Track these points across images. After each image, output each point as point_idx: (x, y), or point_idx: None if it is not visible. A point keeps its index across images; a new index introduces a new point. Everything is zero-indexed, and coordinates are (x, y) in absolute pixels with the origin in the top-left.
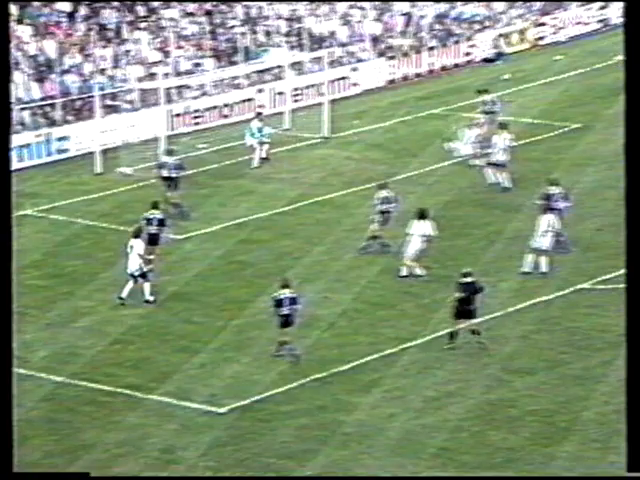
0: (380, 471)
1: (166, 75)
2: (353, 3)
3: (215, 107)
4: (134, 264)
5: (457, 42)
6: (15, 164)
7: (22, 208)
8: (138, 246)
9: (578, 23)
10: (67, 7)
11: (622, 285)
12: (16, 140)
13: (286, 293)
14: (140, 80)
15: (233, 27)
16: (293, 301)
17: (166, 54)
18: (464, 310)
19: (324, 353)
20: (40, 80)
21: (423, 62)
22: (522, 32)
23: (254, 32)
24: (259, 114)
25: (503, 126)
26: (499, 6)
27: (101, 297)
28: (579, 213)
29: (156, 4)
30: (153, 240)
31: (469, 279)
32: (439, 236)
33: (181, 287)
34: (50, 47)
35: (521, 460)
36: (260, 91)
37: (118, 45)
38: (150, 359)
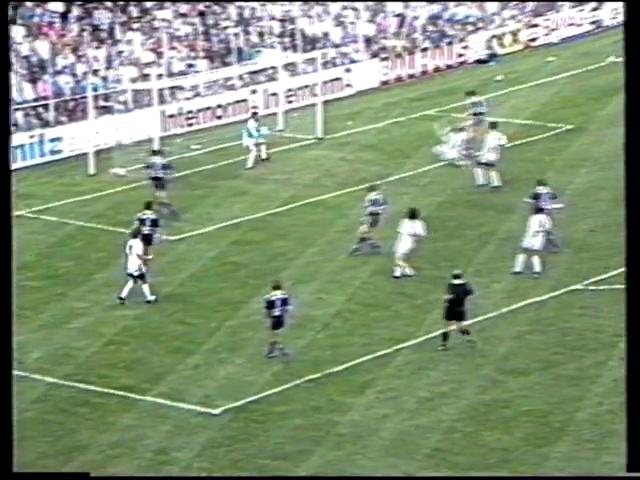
0: (374, 472)
1: (159, 76)
2: (346, 4)
3: (208, 108)
4: (133, 264)
5: (450, 43)
6: None
7: (15, 209)
8: (137, 246)
9: (570, 25)
10: (60, 8)
11: (616, 286)
12: None
13: (278, 294)
14: (133, 81)
15: (226, 28)
16: (284, 302)
17: (159, 55)
18: (454, 311)
19: (318, 354)
20: (33, 81)
21: (416, 63)
22: (515, 33)
23: (247, 33)
24: (255, 114)
25: (493, 125)
26: (492, 7)
27: (95, 298)
28: (572, 214)
29: (149, 5)
30: (146, 240)
31: (460, 281)
32: (433, 237)
33: (175, 288)
34: (43, 48)
35: (515, 460)
36: (253, 92)
37: (111, 46)
38: (144, 360)
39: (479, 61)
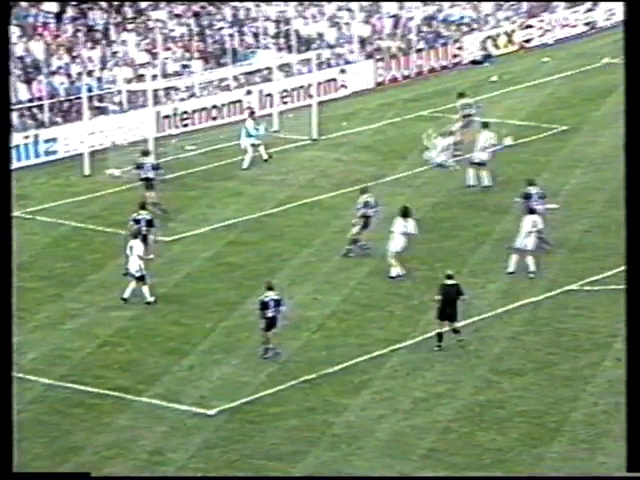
0: (370, 472)
1: (154, 77)
2: (341, 5)
3: (203, 109)
4: (134, 265)
5: (445, 44)
6: None
7: None
8: (138, 247)
9: (565, 26)
10: (54, 8)
11: (611, 286)
12: None
13: (271, 295)
14: (128, 82)
15: (221, 29)
16: (277, 303)
17: (154, 56)
18: (446, 312)
19: (313, 355)
20: (28, 81)
21: (411, 64)
22: (509, 34)
23: (242, 34)
24: (252, 113)
25: (485, 125)
26: (486, 8)
27: (90, 299)
28: (567, 215)
29: (144, 5)
30: (141, 241)
31: (452, 281)
32: (428, 238)
33: (170, 289)
34: (37, 48)
35: (510, 461)
36: (248, 93)
37: (106, 46)
38: (139, 361)
39: (474, 62)
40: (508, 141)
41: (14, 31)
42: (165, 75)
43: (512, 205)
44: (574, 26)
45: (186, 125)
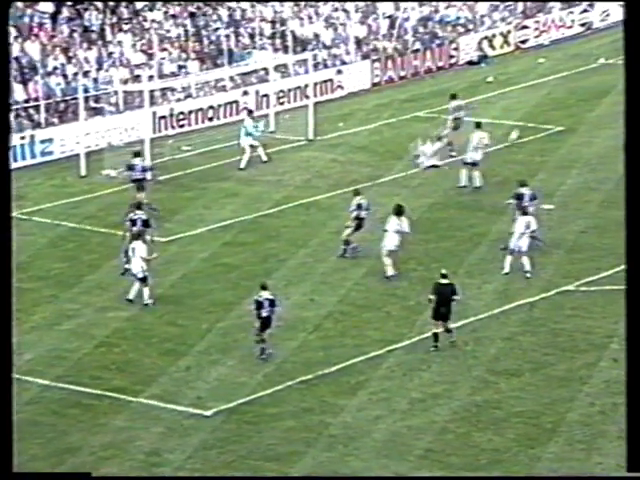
0: (366, 473)
1: (150, 77)
2: (337, 5)
3: (200, 109)
4: (137, 267)
5: (441, 45)
6: None
7: None
8: (140, 249)
9: (561, 26)
10: (50, 8)
11: (607, 287)
12: None
13: (265, 295)
14: (124, 82)
15: (217, 29)
16: (272, 303)
17: (150, 56)
18: (440, 311)
19: (310, 355)
20: (23, 82)
21: (407, 65)
22: (505, 35)
23: (238, 34)
24: (251, 112)
25: (477, 125)
26: (482, 9)
27: (86, 300)
28: (563, 215)
29: (139, 6)
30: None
31: (446, 280)
32: (424, 238)
33: (166, 290)
34: (33, 49)
35: (507, 461)
36: (245, 93)
37: (102, 47)
38: (136, 362)
39: (470, 63)
40: (514, 134)
41: (10, 32)
42: (161, 76)
43: (506, 206)
44: (570, 27)
45: (182, 126)
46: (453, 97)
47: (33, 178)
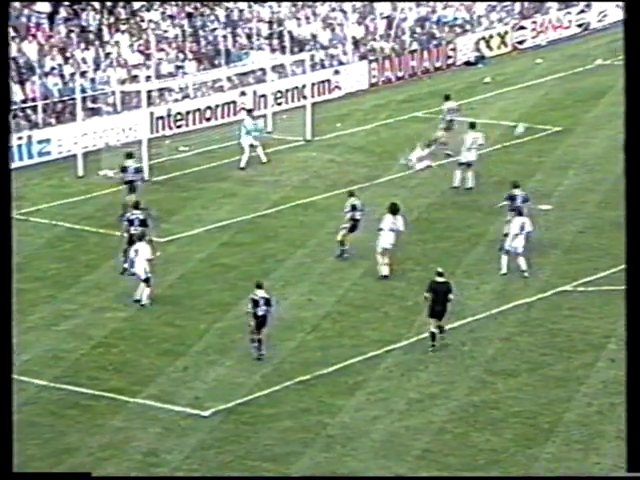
0: (364, 473)
1: (148, 78)
2: (335, 6)
3: (197, 110)
4: (140, 268)
5: (438, 45)
6: None
7: None
8: (144, 250)
9: (558, 27)
10: (47, 8)
11: (605, 287)
12: None
13: (261, 294)
14: (121, 83)
15: (214, 30)
16: (267, 302)
17: (147, 57)
18: (435, 309)
19: (308, 356)
20: (21, 82)
21: (405, 65)
22: (502, 36)
23: (235, 35)
24: (250, 111)
25: (472, 126)
26: (480, 10)
27: (84, 300)
28: (560, 216)
29: (137, 6)
30: (135, 241)
31: (442, 279)
32: (422, 239)
33: (164, 290)
34: (31, 49)
35: (504, 461)
36: (242, 94)
37: (99, 47)
38: (133, 362)
39: (467, 63)
40: (521, 128)
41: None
42: (159, 76)
43: (499, 207)
44: (567, 27)
45: (180, 126)
46: (447, 98)
47: (30, 178)
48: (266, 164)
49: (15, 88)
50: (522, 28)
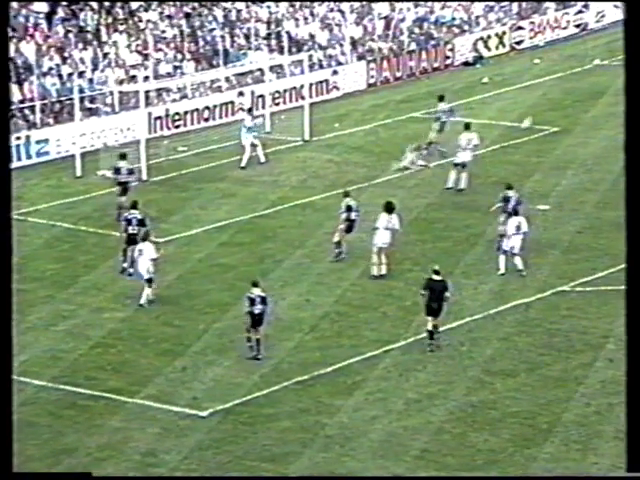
0: (363, 473)
1: (146, 78)
2: (333, 6)
3: (195, 110)
4: (143, 268)
5: (436, 46)
6: None
7: None
8: (148, 250)
9: (556, 27)
10: (45, 9)
11: (602, 287)
12: None
13: (257, 292)
14: (119, 83)
15: (212, 30)
16: (263, 300)
17: (145, 57)
18: (431, 307)
19: (306, 356)
20: (19, 82)
21: (403, 65)
22: (500, 36)
23: (233, 35)
24: (250, 109)
25: (466, 127)
26: (477, 10)
27: (82, 300)
28: (558, 216)
29: (135, 6)
30: (133, 240)
31: (439, 277)
32: (420, 239)
33: (162, 290)
34: (28, 49)
35: (502, 462)
36: (240, 94)
37: (97, 48)
38: (132, 362)
39: (465, 63)
40: (527, 123)
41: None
42: (157, 76)
43: (494, 210)
44: (565, 28)
45: (178, 126)
46: (441, 99)
47: (29, 179)
48: (264, 164)
49: (13, 88)
50: (520, 28)
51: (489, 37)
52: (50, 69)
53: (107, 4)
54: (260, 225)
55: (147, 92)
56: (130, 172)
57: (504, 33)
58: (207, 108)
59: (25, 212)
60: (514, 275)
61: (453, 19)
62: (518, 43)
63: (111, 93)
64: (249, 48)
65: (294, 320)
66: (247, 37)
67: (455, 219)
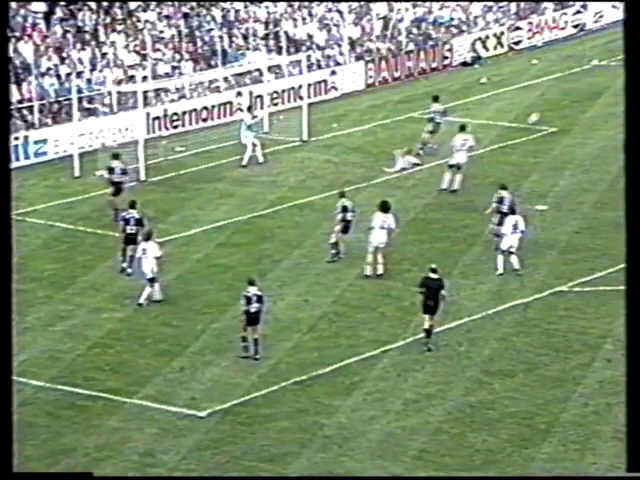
0: (361, 473)
1: (144, 78)
2: (331, 6)
3: (193, 110)
4: (147, 267)
5: (434, 46)
6: None
7: None
8: (152, 249)
9: (554, 28)
10: (43, 8)
11: (601, 287)
12: None
13: (253, 290)
14: (118, 83)
15: (211, 30)
16: (259, 299)
17: (144, 57)
18: (428, 305)
19: (304, 356)
20: (17, 83)
21: (401, 66)
22: (498, 36)
23: (231, 35)
24: (250, 108)
25: (462, 128)
26: (476, 10)
27: (80, 301)
28: (556, 216)
29: (133, 6)
30: (131, 240)
31: (436, 275)
32: (418, 239)
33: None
34: (26, 49)
35: (500, 462)
36: (239, 94)
37: (95, 48)
38: (130, 363)
39: (463, 64)
40: (534, 117)
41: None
42: (155, 76)
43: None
44: (563, 28)
45: (176, 127)
46: (435, 99)
47: (27, 179)
48: (263, 164)
49: (11, 88)
50: (518, 29)
51: (487, 37)
52: (48, 69)
53: (105, 4)
54: (258, 225)
55: (145, 92)
56: (123, 172)
57: (502, 33)
58: (205, 108)
59: (23, 212)
60: (512, 275)
61: (451, 19)
62: (516, 43)
63: (109, 93)
64: (247, 48)
65: (292, 320)
66: (245, 37)
67: (453, 219)
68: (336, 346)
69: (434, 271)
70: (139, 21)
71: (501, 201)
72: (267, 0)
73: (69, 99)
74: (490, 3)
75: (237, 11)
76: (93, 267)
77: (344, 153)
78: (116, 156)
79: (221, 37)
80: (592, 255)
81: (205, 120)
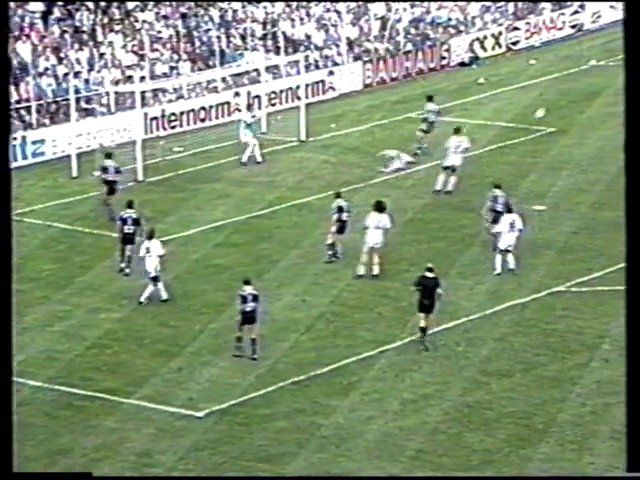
0: (358, 473)
1: (142, 78)
2: (329, 7)
3: (191, 110)
4: (151, 266)
5: (432, 46)
6: None
7: None
8: (155, 247)
9: (552, 28)
10: (41, 8)
11: (598, 288)
12: None
13: (249, 290)
14: (115, 83)
15: (209, 30)
16: (255, 298)
17: (141, 57)
18: (424, 304)
19: (302, 356)
20: (15, 83)
21: (399, 66)
22: (496, 37)
23: (229, 35)
24: (250, 106)
25: (456, 130)
26: (473, 11)
27: (78, 301)
28: (554, 216)
29: (131, 7)
30: (129, 240)
31: (432, 274)
32: (416, 239)
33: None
34: (24, 50)
35: (498, 462)
36: (236, 94)
37: (93, 48)
38: (127, 363)
39: (461, 64)
40: (541, 113)
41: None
42: (153, 77)
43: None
44: (561, 28)
45: (174, 127)
46: (429, 99)
47: (25, 179)
48: (261, 164)
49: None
50: (516, 29)
51: (485, 38)
52: (46, 69)
53: (103, 4)
54: (256, 225)
55: (143, 92)
56: (117, 171)
57: (500, 34)
58: (203, 108)
59: (21, 213)
60: (510, 275)
61: (449, 20)
62: (514, 44)
63: (107, 93)
64: (245, 48)
65: (290, 320)
66: (243, 37)
67: (451, 219)
68: (334, 346)
69: (430, 270)
70: (137, 21)
71: (495, 200)
72: (265, 0)
73: (67, 99)
74: (488, 3)
75: (235, 11)
76: (91, 267)
77: (342, 153)
78: (109, 155)
79: (219, 37)
80: (590, 255)
81: (203, 120)
